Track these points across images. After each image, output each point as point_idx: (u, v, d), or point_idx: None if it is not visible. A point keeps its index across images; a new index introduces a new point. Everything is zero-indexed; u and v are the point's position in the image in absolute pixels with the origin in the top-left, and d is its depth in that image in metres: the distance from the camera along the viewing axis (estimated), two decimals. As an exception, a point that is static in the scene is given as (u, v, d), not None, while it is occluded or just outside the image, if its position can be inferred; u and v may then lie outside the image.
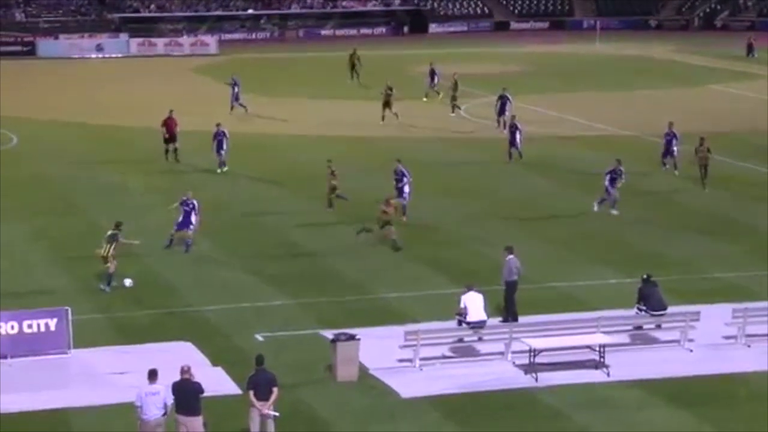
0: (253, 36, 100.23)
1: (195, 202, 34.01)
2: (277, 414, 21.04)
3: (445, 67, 65.07)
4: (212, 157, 44.35)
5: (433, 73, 62.55)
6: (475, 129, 54.80)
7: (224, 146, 44.06)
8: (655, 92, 66.86)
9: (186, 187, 36.76)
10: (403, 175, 37.67)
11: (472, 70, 69.78)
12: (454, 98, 57.25)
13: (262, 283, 31.26)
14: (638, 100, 63.94)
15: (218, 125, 44.47)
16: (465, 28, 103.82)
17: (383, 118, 55.00)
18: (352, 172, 42.81)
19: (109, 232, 30.54)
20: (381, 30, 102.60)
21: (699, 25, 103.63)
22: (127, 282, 30.29)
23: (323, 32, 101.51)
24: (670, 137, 43.70)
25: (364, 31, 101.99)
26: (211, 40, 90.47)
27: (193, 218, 33.85)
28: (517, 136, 46.16)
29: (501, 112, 52.80)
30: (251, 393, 20.97)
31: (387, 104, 55.22)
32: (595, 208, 38.17)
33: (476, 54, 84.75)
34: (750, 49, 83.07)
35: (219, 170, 44.14)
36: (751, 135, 52.91)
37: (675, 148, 43.55)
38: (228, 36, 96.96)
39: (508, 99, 52.86)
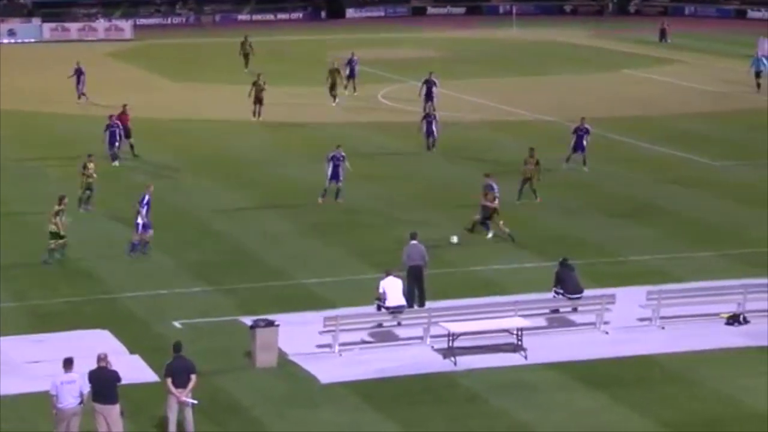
0: (169, 21, 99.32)
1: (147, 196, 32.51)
2: (195, 401, 20.94)
3: (361, 53, 64.95)
4: (104, 150, 42.35)
5: (351, 64, 60.09)
6: (395, 114, 54.88)
7: (117, 138, 42.40)
8: (571, 77, 67.43)
9: (107, 175, 36.35)
10: (338, 159, 37.54)
11: (390, 56, 69.88)
12: (332, 87, 55.91)
13: (181, 270, 31.05)
14: (555, 85, 64.44)
15: (111, 117, 42.90)
16: (382, 14, 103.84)
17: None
18: (275, 158, 42.77)
19: (56, 208, 31.29)
20: (298, 15, 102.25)
21: (613, 11, 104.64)
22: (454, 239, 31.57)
23: (240, 17, 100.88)
24: (582, 132, 42.26)
25: (281, 16, 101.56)
26: (126, 26, 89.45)
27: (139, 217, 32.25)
28: (434, 126, 45.41)
29: (428, 97, 52.11)
30: (169, 380, 20.83)
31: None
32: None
33: (393, 39, 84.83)
34: (663, 34, 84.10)
35: (118, 163, 42.43)
36: (665, 119, 53.62)
37: (585, 144, 42.22)
38: (143, 21, 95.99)
39: (435, 83, 52.59)
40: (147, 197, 32.29)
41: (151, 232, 32.28)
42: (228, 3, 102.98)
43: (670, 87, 64.04)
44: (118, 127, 42.69)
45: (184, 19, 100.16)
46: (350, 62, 59.47)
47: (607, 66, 72.05)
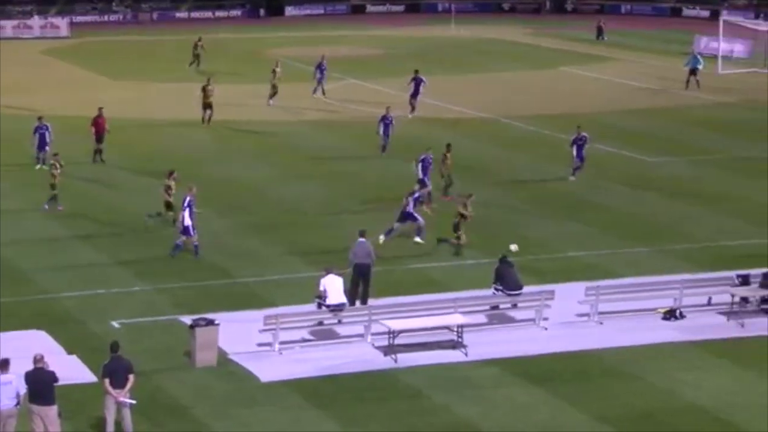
0: (106, 18, 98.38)
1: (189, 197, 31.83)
2: (133, 401, 20.81)
3: (301, 50, 64.87)
4: (32, 153, 41.60)
5: (320, 68, 58.58)
6: (335, 112, 54.87)
7: (47, 141, 41.33)
8: (509, 74, 67.77)
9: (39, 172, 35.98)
10: (429, 162, 37.13)
11: (329, 53, 69.70)
12: (274, 86, 55.41)
13: (119, 269, 30.82)
14: (493, 83, 64.73)
15: (40, 119, 41.97)
16: (321, 11, 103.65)
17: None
18: (216, 157, 42.46)
19: (51, 161, 35.92)
20: (236, 13, 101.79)
21: (550, 8, 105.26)
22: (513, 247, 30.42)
23: (178, 15, 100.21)
24: (581, 142, 41.26)
25: (219, 13, 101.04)
26: (62, 23, 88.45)
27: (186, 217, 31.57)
28: (390, 130, 44.70)
29: (415, 93, 52.67)
30: (106, 381, 20.70)
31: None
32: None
33: (333, 37, 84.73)
34: (600, 32, 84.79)
35: (40, 166, 41.01)
36: (602, 116, 54.03)
37: (583, 153, 41.39)
38: (80, 18, 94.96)
39: (422, 80, 52.84)
40: (189, 199, 31.68)
41: (194, 235, 31.60)
42: (166, 0, 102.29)
43: (606, 84, 64.56)
44: (47, 129, 41.74)
45: (121, 17, 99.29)
46: (320, 66, 58.28)
47: (544, 63, 72.48)
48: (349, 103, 55.74)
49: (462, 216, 32.50)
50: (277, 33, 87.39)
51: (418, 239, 33.05)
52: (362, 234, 28.17)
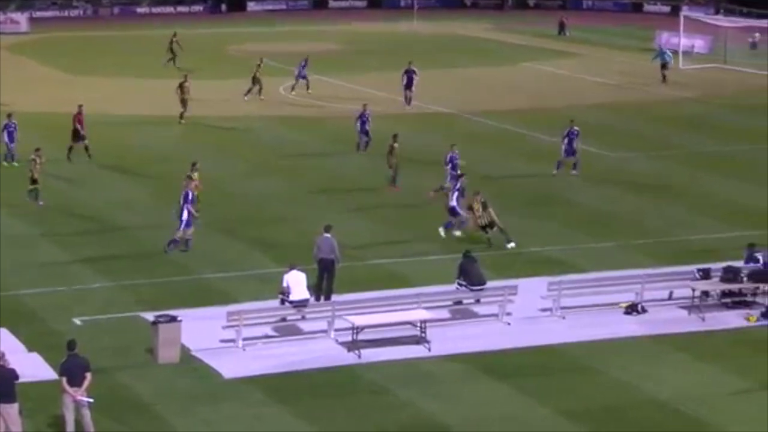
0: (66, 14, 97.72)
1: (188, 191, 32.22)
2: (90, 400, 20.65)
3: (264, 46, 64.70)
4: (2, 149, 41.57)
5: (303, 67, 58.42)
6: (297, 107, 54.79)
7: (15, 138, 41.40)
8: (472, 70, 67.87)
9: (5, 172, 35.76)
10: (456, 160, 37.27)
11: (292, 49, 69.60)
12: (257, 80, 55.39)
13: (81, 266, 30.66)
14: (455, 78, 64.80)
15: (9, 116, 41.98)
16: (283, 6, 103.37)
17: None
18: (177, 152, 42.19)
19: (32, 156, 36.12)
20: (198, 8, 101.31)
21: (513, 4, 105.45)
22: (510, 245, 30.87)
23: (139, 10, 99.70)
24: (573, 136, 41.36)
25: (181, 9, 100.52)
26: (21, 18, 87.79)
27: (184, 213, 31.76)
28: (368, 127, 44.54)
29: (408, 86, 53.26)
30: (64, 379, 20.57)
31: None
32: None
33: (295, 32, 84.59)
34: (562, 27, 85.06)
35: (6, 163, 41.20)
36: (564, 111, 54.17)
37: (575, 147, 41.37)
38: (39, 14, 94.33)
39: (414, 72, 53.32)
40: (189, 192, 31.89)
41: (190, 229, 31.72)
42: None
43: (568, 79, 64.80)
44: (15, 127, 41.62)
45: (81, 12, 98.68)
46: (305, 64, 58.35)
47: (507, 59, 72.65)
48: (312, 98, 55.64)
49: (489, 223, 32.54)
50: (238, 28, 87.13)
51: (457, 232, 33.31)
52: (327, 229, 28.14)
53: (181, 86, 50.31)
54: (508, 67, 69.83)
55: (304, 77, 57.57)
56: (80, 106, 43.39)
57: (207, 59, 68.58)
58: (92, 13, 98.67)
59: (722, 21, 73.11)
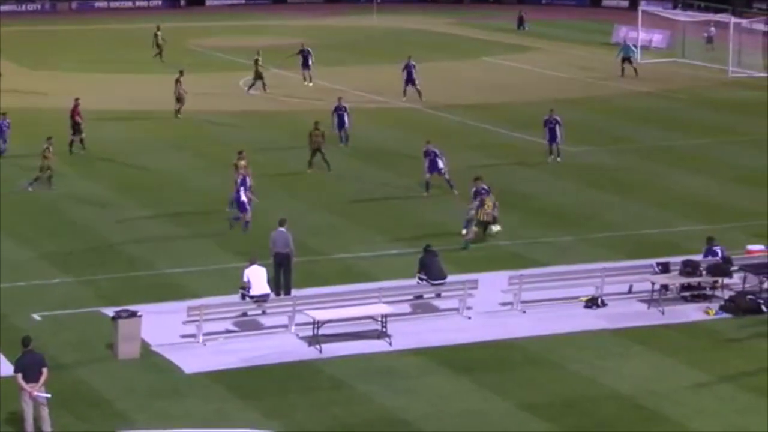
0: (24, 8, 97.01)
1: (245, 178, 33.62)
2: (48, 395, 20.55)
3: (225, 40, 64.43)
4: None
5: (303, 54, 59.07)
6: (256, 102, 54.66)
7: (7, 136, 41.88)
8: (431, 64, 67.78)
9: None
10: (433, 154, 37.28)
11: (252, 44, 69.39)
12: (258, 74, 55.61)
13: (40, 261, 30.48)
14: (416, 73, 64.61)
15: (4, 114, 42.34)
16: (243, 1, 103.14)
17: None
18: (134, 147, 41.94)
19: (45, 145, 37.00)
20: (157, 2, 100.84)
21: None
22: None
23: (97, 4, 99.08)
24: (552, 124, 41.81)
25: (140, 3, 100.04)
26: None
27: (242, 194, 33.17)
28: (345, 119, 44.22)
29: (408, 80, 53.77)
30: (19, 376, 20.46)
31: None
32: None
33: (254, 27, 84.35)
34: (521, 22, 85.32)
35: None
36: (523, 106, 54.39)
37: (558, 134, 41.76)
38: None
39: (414, 66, 53.77)
40: (244, 178, 33.24)
41: (248, 211, 32.91)
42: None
43: (527, 74, 64.97)
44: (8, 125, 41.90)
45: (39, 6, 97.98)
46: (302, 52, 58.78)
47: (466, 53, 72.75)
48: (274, 93, 55.53)
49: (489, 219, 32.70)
50: (198, 23, 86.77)
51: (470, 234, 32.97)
52: (282, 223, 28.10)
53: (177, 82, 50.38)
54: (468, 61, 69.92)
55: (307, 67, 58.21)
56: (77, 99, 43.41)
57: (167, 54, 68.13)
58: (50, 7, 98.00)
59: (680, 15, 73.52)
